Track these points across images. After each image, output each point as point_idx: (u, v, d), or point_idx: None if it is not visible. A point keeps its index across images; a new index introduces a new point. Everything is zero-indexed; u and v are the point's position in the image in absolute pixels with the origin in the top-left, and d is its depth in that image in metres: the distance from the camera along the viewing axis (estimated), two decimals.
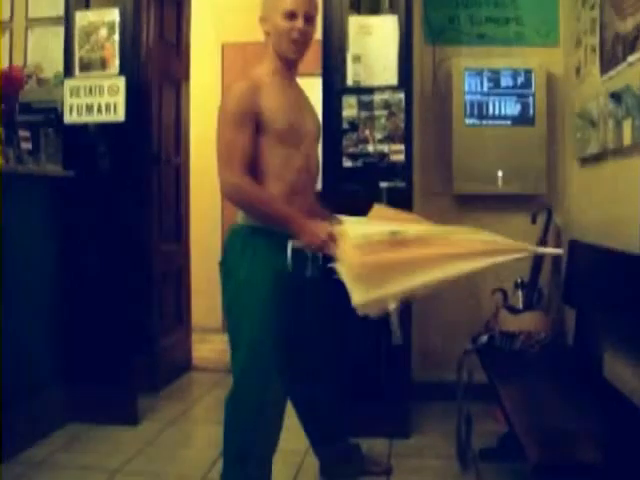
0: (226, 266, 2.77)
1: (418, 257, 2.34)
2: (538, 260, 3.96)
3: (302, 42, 2.76)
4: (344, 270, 2.43)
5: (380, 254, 2.34)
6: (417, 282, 2.36)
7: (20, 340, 3.53)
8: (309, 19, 2.76)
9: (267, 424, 2.74)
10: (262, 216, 2.67)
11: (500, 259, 2.41)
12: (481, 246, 2.38)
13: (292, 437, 3.18)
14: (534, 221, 3.99)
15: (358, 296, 2.33)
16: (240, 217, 2.76)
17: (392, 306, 2.46)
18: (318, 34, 3.72)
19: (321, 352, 3.02)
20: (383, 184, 3.70)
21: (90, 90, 3.95)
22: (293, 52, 2.78)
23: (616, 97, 3.10)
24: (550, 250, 2.66)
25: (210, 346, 5.92)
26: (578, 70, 3.92)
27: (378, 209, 2.81)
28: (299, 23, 2.72)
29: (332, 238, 2.59)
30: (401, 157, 3.72)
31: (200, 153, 5.61)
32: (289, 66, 2.83)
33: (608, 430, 2.36)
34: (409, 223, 2.58)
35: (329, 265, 2.58)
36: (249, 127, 2.63)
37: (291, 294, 2.71)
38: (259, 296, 2.67)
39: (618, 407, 2.63)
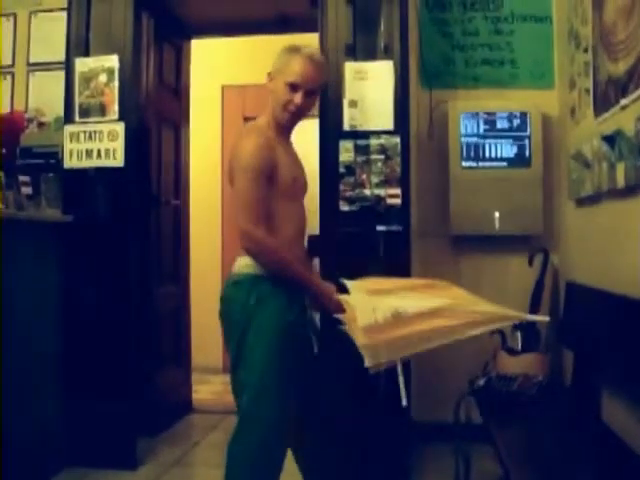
0: (231, 317, 2.77)
1: (421, 331, 2.47)
2: (536, 301, 3.97)
3: (296, 115, 2.77)
4: (354, 337, 2.53)
5: (385, 333, 2.45)
6: (421, 348, 2.53)
7: (19, 384, 3.53)
8: (311, 93, 2.76)
9: (267, 472, 2.73)
10: (278, 272, 2.68)
11: (495, 326, 2.64)
12: (479, 317, 2.50)
13: None
14: (531, 262, 4.01)
15: (369, 361, 2.44)
16: (241, 266, 2.76)
17: (399, 367, 2.54)
18: None
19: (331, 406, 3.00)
20: (380, 228, 3.73)
21: (90, 136, 4.00)
22: (285, 120, 2.78)
23: (609, 140, 3.12)
24: (539, 317, 2.87)
25: (210, 387, 5.91)
26: (573, 112, 3.95)
27: (372, 279, 2.85)
28: (298, 97, 2.71)
29: (341, 306, 2.63)
30: (397, 201, 3.75)
31: (200, 194, 5.66)
32: (285, 127, 2.84)
33: (606, 476, 2.35)
34: (407, 292, 2.64)
35: (335, 315, 2.63)
36: (266, 181, 2.66)
37: (297, 343, 2.71)
38: (265, 343, 2.65)
39: (616, 452, 2.62)
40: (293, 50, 2.77)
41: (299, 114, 2.78)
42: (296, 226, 2.79)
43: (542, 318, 2.88)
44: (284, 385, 2.68)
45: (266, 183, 2.66)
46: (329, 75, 2.85)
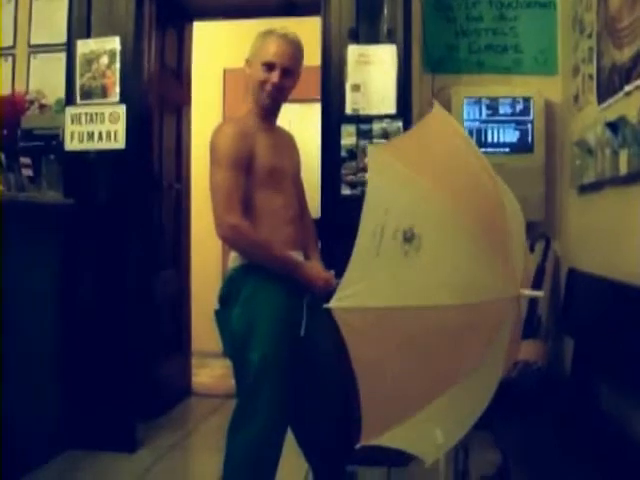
0: (225, 310, 2.76)
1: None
2: (537, 287, 3.96)
3: (275, 95, 2.76)
4: None
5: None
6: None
7: (18, 366, 3.52)
8: (288, 72, 2.75)
9: (266, 458, 2.72)
10: (259, 259, 2.68)
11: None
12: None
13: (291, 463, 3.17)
14: (532, 249, 4.00)
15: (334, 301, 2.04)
16: (231, 261, 2.78)
17: None
18: (317, 62, 3.77)
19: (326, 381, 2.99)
20: None
21: (91, 118, 3.99)
22: (266, 101, 2.77)
23: (613, 127, 3.11)
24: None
25: (210, 371, 5.92)
26: (576, 98, 3.93)
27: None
28: (274, 76, 2.71)
29: (328, 282, 2.62)
30: None
31: (201, 179, 5.62)
32: (267, 111, 2.83)
33: (603, 465, 2.35)
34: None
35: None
36: (243, 169, 2.65)
37: (293, 324, 2.70)
38: (262, 326, 2.65)
39: (615, 440, 2.62)
40: (267, 33, 2.79)
41: (278, 95, 2.78)
42: (279, 215, 2.76)
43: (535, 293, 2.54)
44: (284, 369, 2.68)
45: (242, 171, 2.65)
46: (303, 58, 2.81)
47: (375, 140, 3.76)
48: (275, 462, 2.71)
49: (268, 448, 2.70)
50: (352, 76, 3.81)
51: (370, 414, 2.09)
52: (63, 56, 4.21)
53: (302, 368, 2.75)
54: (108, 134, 3.97)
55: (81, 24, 4.08)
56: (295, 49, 2.79)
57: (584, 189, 3.75)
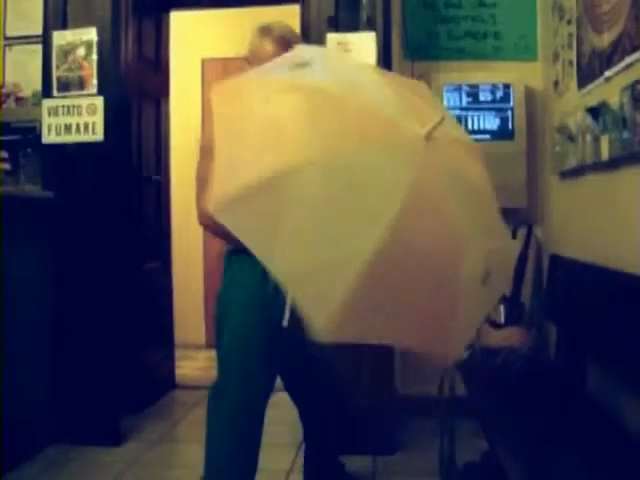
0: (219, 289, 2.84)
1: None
2: (520, 274, 3.97)
3: None
4: None
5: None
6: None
7: (2, 363, 3.49)
8: None
9: (244, 430, 2.75)
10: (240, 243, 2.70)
11: None
12: None
13: (275, 456, 3.17)
14: (514, 235, 4.00)
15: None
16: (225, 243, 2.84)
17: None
18: None
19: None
20: None
21: (68, 110, 3.94)
22: None
23: (593, 112, 3.11)
24: None
25: (193, 363, 5.90)
26: (556, 84, 3.93)
27: None
28: None
29: None
30: None
31: (181, 169, 5.60)
32: None
33: (591, 449, 2.36)
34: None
35: None
36: None
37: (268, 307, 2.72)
38: (238, 301, 2.72)
39: (601, 422, 2.63)
40: (265, 32, 2.75)
41: None
42: None
43: None
44: (249, 362, 2.71)
45: None
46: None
47: None
48: (253, 440, 2.76)
49: (242, 426, 2.74)
50: None
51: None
52: (39, 48, 4.14)
53: (290, 357, 2.81)
54: (86, 126, 3.93)
55: (57, 15, 4.02)
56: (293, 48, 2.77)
57: (565, 175, 3.75)
